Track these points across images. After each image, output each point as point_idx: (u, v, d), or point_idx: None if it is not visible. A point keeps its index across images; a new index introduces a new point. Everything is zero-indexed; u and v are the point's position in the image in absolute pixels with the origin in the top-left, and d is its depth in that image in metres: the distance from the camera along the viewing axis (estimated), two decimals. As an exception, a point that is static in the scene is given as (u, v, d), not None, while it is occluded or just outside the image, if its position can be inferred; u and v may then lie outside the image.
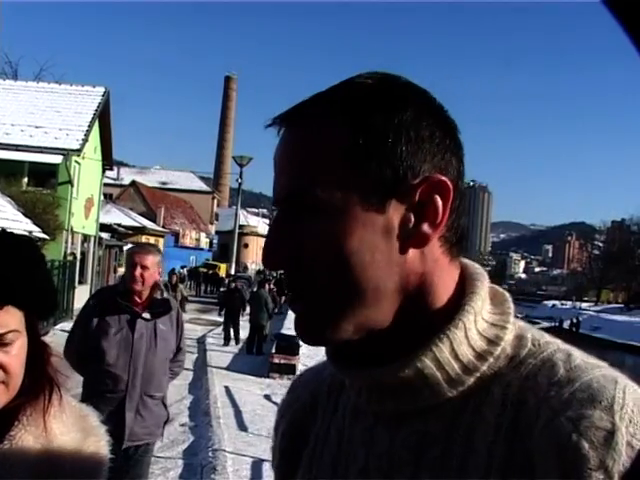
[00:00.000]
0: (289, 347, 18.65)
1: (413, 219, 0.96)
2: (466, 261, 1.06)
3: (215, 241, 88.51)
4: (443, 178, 0.96)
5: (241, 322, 25.33)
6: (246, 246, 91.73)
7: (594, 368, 0.90)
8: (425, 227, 0.96)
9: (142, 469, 5.38)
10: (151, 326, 5.20)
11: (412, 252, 0.97)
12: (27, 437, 1.53)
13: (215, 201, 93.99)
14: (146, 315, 5.16)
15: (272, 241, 0.99)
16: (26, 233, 22.66)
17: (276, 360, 18.26)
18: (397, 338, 0.99)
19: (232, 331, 24.36)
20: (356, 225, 0.94)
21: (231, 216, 41.15)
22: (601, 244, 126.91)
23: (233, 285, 27.04)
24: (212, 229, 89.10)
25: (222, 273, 58.94)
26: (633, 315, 79.45)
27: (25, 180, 30.99)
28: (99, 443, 1.66)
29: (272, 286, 39.04)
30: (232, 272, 36.45)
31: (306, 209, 0.96)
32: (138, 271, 5.06)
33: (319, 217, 0.95)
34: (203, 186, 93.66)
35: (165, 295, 5.43)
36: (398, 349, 0.97)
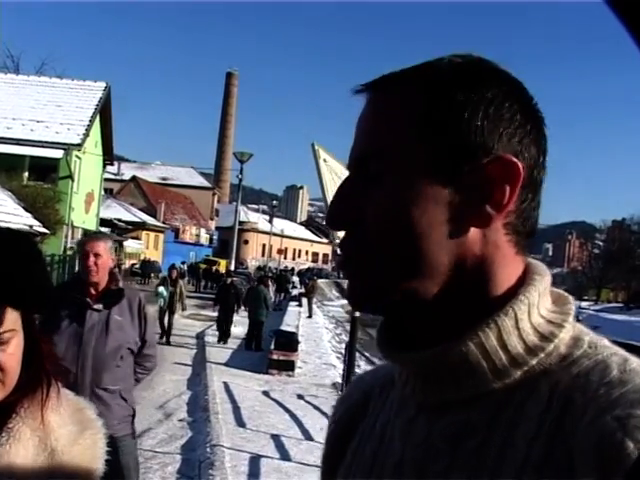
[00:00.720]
0: (288, 343, 18.69)
1: (478, 197, 0.93)
2: (532, 260, 1.03)
3: (215, 237, 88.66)
4: (514, 160, 0.92)
5: (237, 318, 25.25)
6: (246, 242, 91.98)
7: None
8: (488, 207, 0.93)
9: (124, 460, 5.19)
10: (104, 317, 5.02)
11: (472, 232, 0.94)
12: (25, 430, 1.54)
13: (215, 197, 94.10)
14: (97, 306, 5.01)
15: (337, 202, 1.00)
16: (26, 227, 22.69)
17: (275, 356, 18.29)
18: (448, 322, 0.96)
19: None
20: (419, 195, 0.93)
21: (231, 212, 41.32)
22: (601, 243, 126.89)
23: (229, 281, 26.08)
24: (212, 225, 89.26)
25: (222, 269, 59.00)
26: (633, 314, 79.44)
27: (26, 174, 31.11)
28: (96, 436, 1.67)
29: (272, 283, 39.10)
30: (232, 268, 36.37)
31: (374, 173, 0.96)
32: (91, 260, 4.91)
33: (385, 183, 0.94)
34: (204, 182, 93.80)
35: (121, 284, 5.22)
36: (448, 334, 0.94)
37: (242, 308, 26.23)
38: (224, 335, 23.42)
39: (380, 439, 1.07)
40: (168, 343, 21.72)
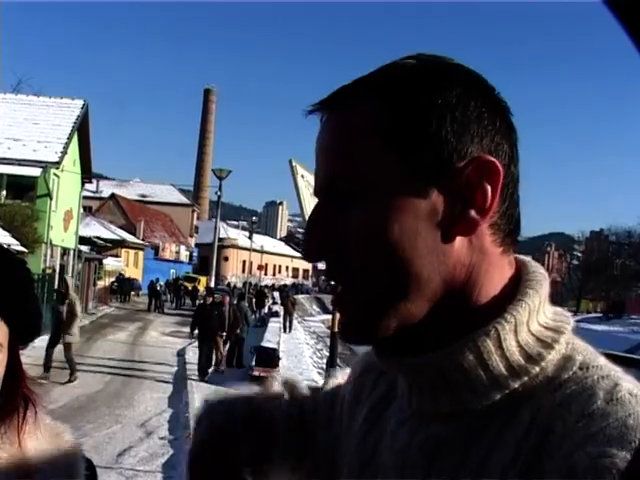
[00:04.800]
0: (269, 359, 18.65)
1: (459, 204, 0.89)
2: (527, 260, 0.99)
3: (195, 254, 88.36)
4: (492, 159, 0.89)
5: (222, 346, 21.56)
6: (226, 259, 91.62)
7: (639, 404, 0.79)
8: (472, 212, 0.89)
9: None
10: None
11: (459, 240, 0.90)
12: (2, 455, 1.54)
13: (195, 214, 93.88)
14: None
15: (310, 232, 0.95)
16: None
17: (256, 373, 18.21)
18: (435, 333, 0.92)
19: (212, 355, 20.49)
20: (397, 212, 0.88)
21: (211, 229, 41.20)
22: (580, 254, 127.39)
23: (209, 301, 21.82)
24: (192, 242, 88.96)
25: (202, 286, 58.79)
26: (612, 324, 79.86)
27: (3, 193, 30.90)
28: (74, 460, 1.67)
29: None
30: (212, 285, 36.24)
31: (344, 196, 0.90)
32: None
33: (358, 204, 0.89)
34: (183, 199, 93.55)
35: None
36: (436, 344, 0.91)
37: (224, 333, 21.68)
38: (204, 366, 19.76)
39: (382, 431, 1.05)
40: (46, 378, 16.15)
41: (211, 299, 21.94)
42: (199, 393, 16.43)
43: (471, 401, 0.88)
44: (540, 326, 0.91)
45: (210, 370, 20.35)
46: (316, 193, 0.97)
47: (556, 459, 0.78)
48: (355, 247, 0.90)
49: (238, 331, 22.42)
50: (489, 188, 0.89)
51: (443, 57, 0.95)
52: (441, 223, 0.89)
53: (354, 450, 1.11)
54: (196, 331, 21.08)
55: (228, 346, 22.25)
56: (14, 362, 1.58)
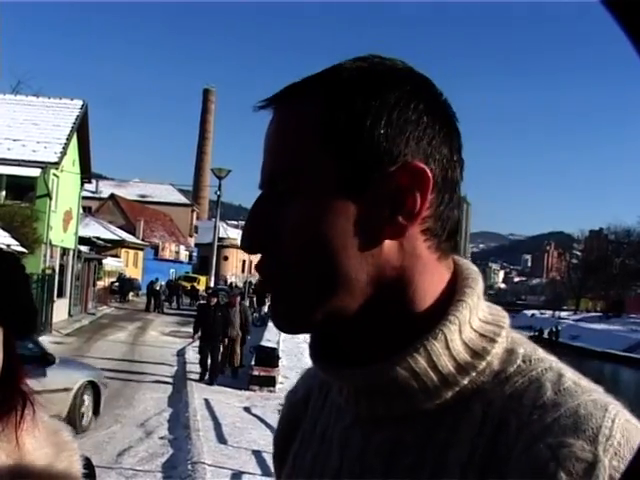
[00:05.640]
0: (269, 359, 18.65)
1: (388, 208, 0.90)
2: (460, 260, 1.00)
3: (195, 254, 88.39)
4: (421, 165, 0.89)
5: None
6: (226, 259, 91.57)
7: (584, 393, 0.83)
8: (400, 217, 0.90)
9: None
10: None
11: (388, 243, 0.91)
12: (0, 454, 1.54)
13: (194, 214, 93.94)
14: None
15: (249, 225, 0.97)
16: (4, 247, 22.56)
17: (256, 372, 18.24)
18: (376, 338, 0.94)
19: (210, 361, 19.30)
20: (328, 211, 0.90)
21: (210, 229, 41.06)
22: (579, 253, 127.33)
23: (213, 301, 20.77)
24: (192, 242, 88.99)
25: (202, 286, 58.73)
26: (611, 323, 80.00)
27: (3, 193, 30.92)
28: (72, 458, 1.66)
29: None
30: (212, 285, 36.17)
31: (283, 192, 0.93)
32: None
33: (294, 201, 0.91)
34: (182, 199, 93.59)
35: None
36: (377, 351, 0.93)
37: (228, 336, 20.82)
38: (211, 372, 19.06)
39: (320, 443, 1.06)
40: None
41: (215, 300, 21.03)
42: (198, 393, 16.46)
43: (424, 402, 0.91)
44: (481, 322, 0.94)
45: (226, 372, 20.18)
46: (260, 187, 0.99)
47: (515, 452, 0.81)
48: (288, 242, 0.92)
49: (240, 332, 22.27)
50: (418, 195, 0.89)
51: (394, 60, 0.96)
52: (370, 226, 0.90)
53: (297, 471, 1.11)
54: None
55: (228, 345, 21.65)
56: (11, 360, 1.58)
